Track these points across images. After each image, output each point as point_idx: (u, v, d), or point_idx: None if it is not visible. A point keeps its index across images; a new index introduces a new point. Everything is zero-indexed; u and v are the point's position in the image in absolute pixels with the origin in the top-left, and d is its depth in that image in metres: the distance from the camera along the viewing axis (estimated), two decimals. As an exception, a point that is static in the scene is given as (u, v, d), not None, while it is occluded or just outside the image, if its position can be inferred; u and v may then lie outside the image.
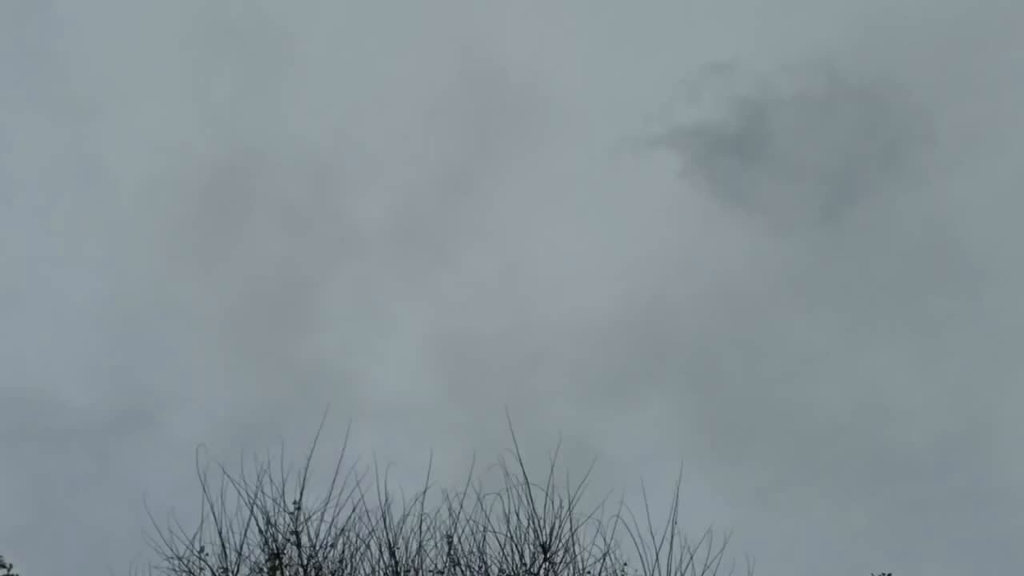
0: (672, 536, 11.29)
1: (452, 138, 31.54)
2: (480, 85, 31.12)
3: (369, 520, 12.05)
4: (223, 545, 12.03)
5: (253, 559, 12.06)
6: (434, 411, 24.23)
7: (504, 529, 11.85)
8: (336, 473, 12.18)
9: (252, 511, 12.10)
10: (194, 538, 11.92)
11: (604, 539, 11.57)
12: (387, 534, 12.02)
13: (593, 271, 29.14)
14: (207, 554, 11.85)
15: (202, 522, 11.89)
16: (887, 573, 11.98)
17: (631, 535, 11.45)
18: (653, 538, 11.33)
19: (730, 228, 29.55)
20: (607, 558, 11.61)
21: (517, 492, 11.86)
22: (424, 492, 12.08)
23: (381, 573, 12.08)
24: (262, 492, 12.20)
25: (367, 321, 28.94)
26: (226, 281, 29.90)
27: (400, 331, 28.27)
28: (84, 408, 24.08)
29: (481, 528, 11.88)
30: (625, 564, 11.63)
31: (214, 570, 11.90)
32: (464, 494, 11.92)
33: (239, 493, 12.12)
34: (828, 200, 29.39)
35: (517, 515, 11.80)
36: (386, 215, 30.66)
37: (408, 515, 12.07)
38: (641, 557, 11.33)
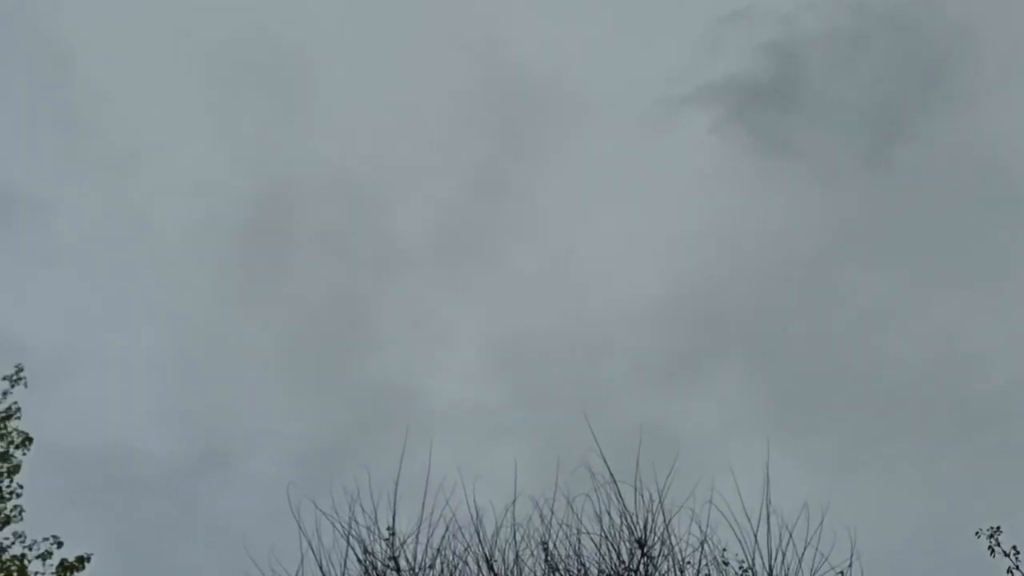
0: (768, 516, 11.16)
1: (481, 140, 31.62)
2: (500, 84, 31.12)
3: (463, 536, 12.08)
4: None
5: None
6: (501, 415, 24.30)
7: (598, 529, 11.81)
8: (425, 493, 12.24)
9: (348, 541, 12.20)
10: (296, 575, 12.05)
11: (699, 527, 11.47)
12: (483, 548, 12.03)
13: (640, 252, 28.94)
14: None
15: (302, 558, 12.03)
16: (995, 527, 11.64)
17: (726, 520, 11.34)
18: (749, 520, 11.21)
19: (773, 184, 29.05)
20: (705, 546, 11.51)
21: (606, 491, 11.81)
22: (513, 502, 12.09)
23: (481, 587, 12.11)
24: (355, 521, 12.28)
25: (423, 334, 29.12)
26: (280, 312, 30.33)
27: (457, 339, 28.41)
28: (164, 455, 24.61)
29: (575, 531, 11.85)
30: (724, 550, 11.52)
31: (320, 604, 12.01)
32: (554, 499, 11.91)
33: (333, 526, 12.23)
34: (873, 140, 28.55)
35: (609, 514, 11.74)
36: (427, 226, 30.86)
37: (501, 526, 12.08)
38: (740, 541, 11.23)
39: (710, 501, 11.40)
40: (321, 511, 12.26)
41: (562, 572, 12.09)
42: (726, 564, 11.59)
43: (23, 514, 13.62)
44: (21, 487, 13.66)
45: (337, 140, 31.16)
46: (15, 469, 13.66)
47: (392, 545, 12.21)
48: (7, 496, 13.51)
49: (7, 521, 13.44)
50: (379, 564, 12.23)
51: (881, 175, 28.21)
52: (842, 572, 10.93)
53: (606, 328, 27.32)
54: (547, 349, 27.25)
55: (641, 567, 11.59)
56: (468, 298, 29.71)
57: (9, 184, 27.86)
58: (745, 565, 11.29)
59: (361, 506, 12.34)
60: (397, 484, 12.35)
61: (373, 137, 31.11)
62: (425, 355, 28.11)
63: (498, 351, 27.73)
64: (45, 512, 14.33)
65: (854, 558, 10.96)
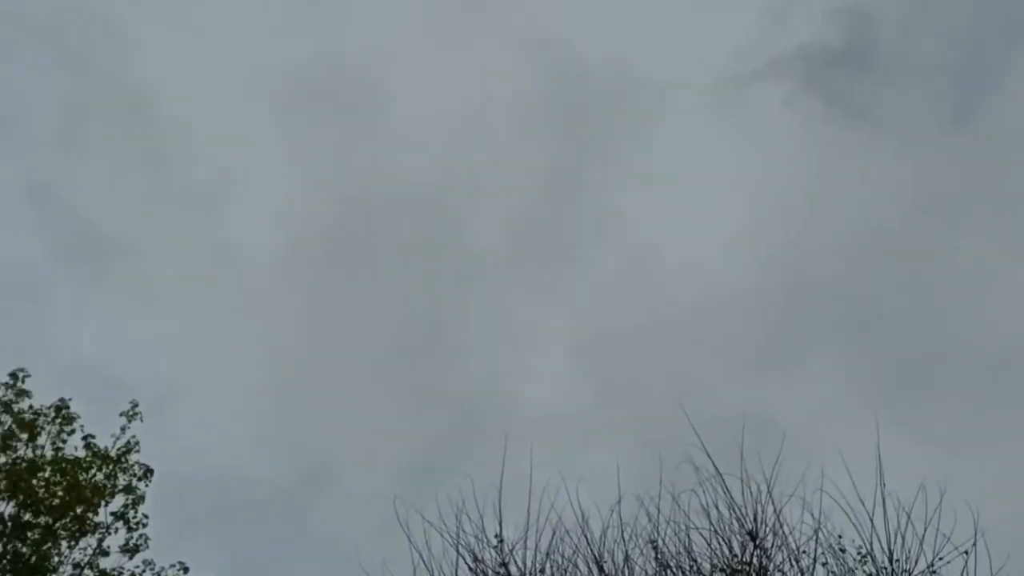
0: (883, 498, 10.86)
1: (551, 140, 31.63)
2: (564, 80, 31.04)
3: (571, 539, 12.09)
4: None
5: (470, 598, 12.29)
6: (595, 415, 24.25)
7: (706, 524, 11.67)
8: (529, 498, 12.31)
9: (458, 550, 12.34)
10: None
11: (812, 515, 11.23)
12: (591, 550, 12.02)
13: (723, 237, 28.49)
14: (420, 599, 12.13)
15: (414, 570, 12.22)
16: None
17: (839, 506, 11.08)
18: (863, 504, 10.93)
19: (855, 154, 28.13)
20: (819, 534, 11.26)
21: (711, 484, 11.67)
22: (619, 502, 12.05)
23: (592, 589, 12.09)
24: (463, 530, 12.41)
25: (509, 340, 29.27)
26: (368, 329, 30.86)
27: (544, 343, 28.44)
28: (270, 478, 25.33)
29: (683, 527, 11.73)
30: (840, 536, 11.25)
31: (434, 615, 12.17)
32: (659, 496, 11.83)
33: (441, 536, 12.39)
34: (956, 99, 27.34)
35: (717, 507, 11.59)
36: (504, 232, 31.02)
37: (608, 527, 12.05)
38: (856, 526, 10.95)
39: (821, 488, 11.15)
40: (428, 522, 12.44)
41: (673, 569, 11.99)
42: (843, 551, 11.31)
43: (149, 542, 14.27)
44: (147, 517, 14.30)
45: (410, 154, 31.64)
46: (140, 500, 14.31)
47: (501, 552, 12.30)
48: (134, 526, 14.15)
49: (136, 550, 14.08)
50: (490, 571, 12.34)
51: (967, 135, 27.04)
52: (966, 552, 10.55)
53: (695, 319, 27.01)
54: (635, 345, 27.10)
55: (755, 560, 11.42)
56: (551, 301, 29.79)
57: (104, 229, 29.11)
58: (863, 551, 11.01)
59: (467, 515, 12.47)
60: (501, 491, 12.44)
61: (444, 147, 31.48)
62: (513, 360, 28.28)
63: (586, 352, 27.70)
64: (167, 540, 14.91)
65: (978, 536, 10.58)
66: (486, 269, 30.78)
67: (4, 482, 13.08)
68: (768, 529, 11.34)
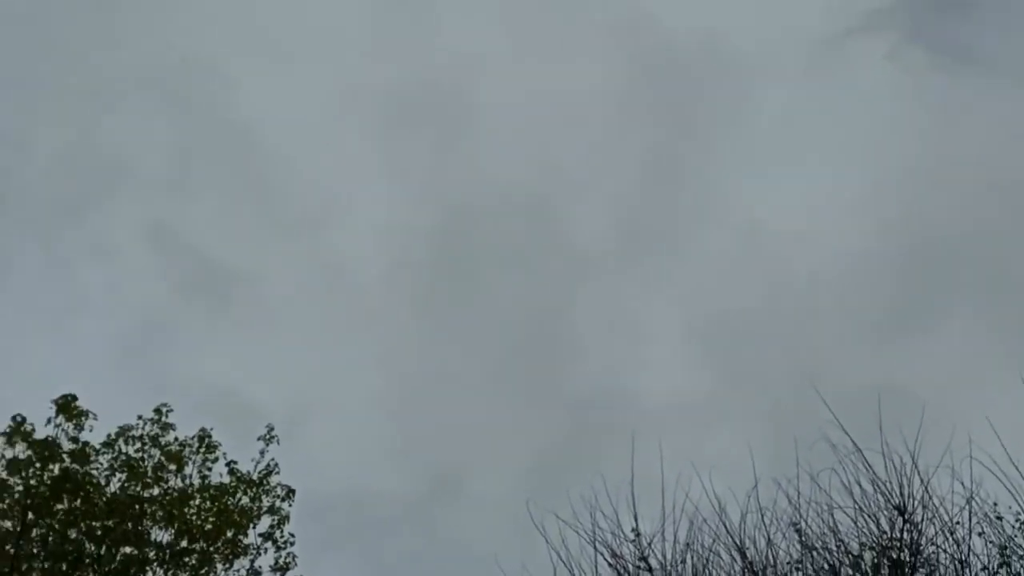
0: (1041, 461, 10.30)
1: (646, 127, 31.29)
2: (653, 62, 30.58)
3: (709, 527, 11.92)
4: (579, 587, 12.33)
5: (612, 593, 12.28)
6: (719, 400, 23.88)
7: (850, 502, 11.32)
8: (662, 489, 12.20)
9: (595, 547, 12.34)
10: (552, 588, 12.29)
11: (962, 484, 10.75)
12: (731, 537, 11.82)
13: (836, 205, 27.50)
14: (569, 600, 12.18)
15: (554, 570, 12.27)
16: None
17: (991, 472, 10.57)
18: (1018, 468, 10.39)
19: (967, 101, 26.68)
20: (972, 503, 10.77)
21: (851, 461, 11.32)
22: (755, 487, 11.83)
23: (738, 575, 11.90)
24: (599, 527, 12.40)
25: (623, 332, 29.10)
26: (480, 336, 31.21)
27: (658, 332, 28.15)
28: (399, 491, 25.88)
29: (826, 507, 11.42)
30: (995, 504, 10.74)
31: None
32: (798, 478, 11.55)
33: (578, 534, 12.40)
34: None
35: (859, 484, 11.24)
36: (608, 224, 30.86)
37: (746, 512, 11.84)
38: (1011, 491, 10.42)
39: (970, 455, 10.67)
40: (564, 521, 12.48)
41: (819, 551, 11.68)
42: (999, 518, 10.81)
43: (297, 560, 14.80)
44: (293, 535, 14.84)
45: (505, 157, 31.86)
46: (285, 520, 14.85)
47: (639, 545, 12.23)
48: (282, 545, 14.71)
49: (286, 568, 14.63)
50: (630, 566, 12.29)
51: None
52: None
53: (813, 291, 26.16)
54: (753, 325, 26.49)
55: (905, 535, 11.01)
56: (662, 289, 29.45)
57: (221, 262, 30.34)
58: (1022, 516, 10.48)
59: (601, 511, 12.46)
60: (633, 484, 12.38)
61: (539, 147, 31.55)
62: (629, 353, 28.09)
63: (703, 337, 27.28)
64: (312, 557, 15.41)
65: None
66: (593, 264, 30.71)
67: (160, 512, 13.80)
68: (917, 502, 10.93)
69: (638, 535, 12.20)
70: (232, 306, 30.62)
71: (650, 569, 12.16)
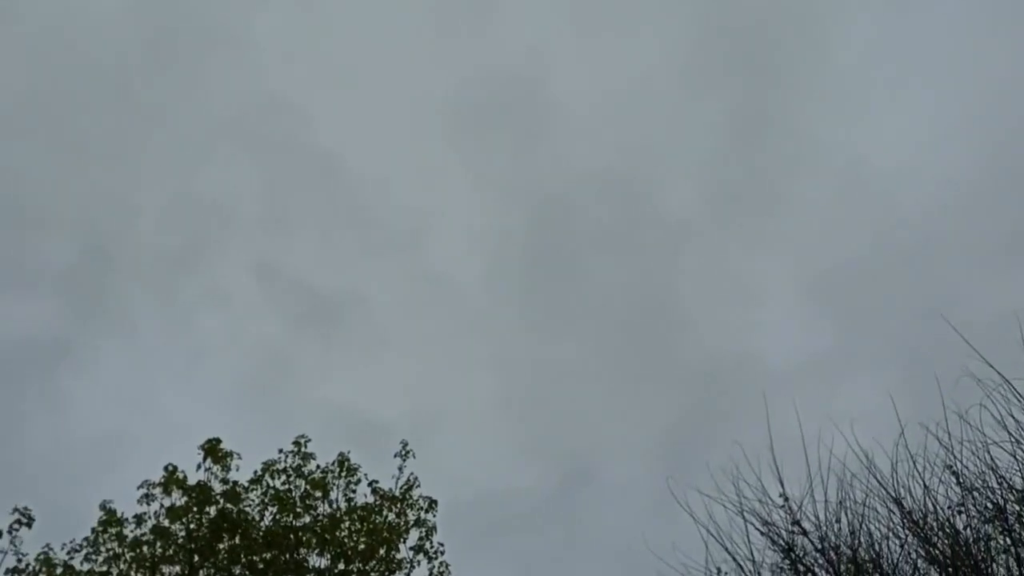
0: None
1: (724, 86, 30.58)
2: (721, 21, 29.79)
3: (860, 482, 11.59)
4: (734, 559, 12.18)
5: (768, 561, 12.08)
6: (843, 352, 23.17)
7: (1005, 437, 10.82)
8: (804, 450, 11.93)
9: (744, 517, 12.15)
10: (706, 563, 12.17)
11: None
12: (885, 489, 11.46)
13: (937, 133, 26.21)
14: (726, 574, 12.05)
15: (706, 546, 12.14)
16: None
17: None
18: None
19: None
20: None
21: (1000, 393, 10.81)
22: (901, 434, 11.44)
23: (896, 527, 11.54)
24: (744, 497, 12.21)
25: (734, 298, 28.57)
26: (588, 323, 31.14)
27: (769, 293, 27.51)
28: (533, 487, 26.12)
29: (981, 445, 10.95)
30: None
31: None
32: (945, 419, 11.11)
33: (724, 507, 12.23)
34: None
35: (1012, 416, 10.72)
36: (700, 193, 30.35)
37: (896, 462, 11.45)
38: None
39: None
40: (708, 495, 12.33)
41: (980, 491, 11.21)
42: None
43: (450, 568, 15.09)
44: (442, 545, 15.15)
45: (586, 143, 31.66)
46: (432, 530, 15.17)
47: (790, 510, 11.98)
48: (434, 556, 15.02)
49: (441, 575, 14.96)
50: (782, 532, 12.05)
51: None
52: None
53: (927, 224, 25.01)
54: (869, 269, 25.56)
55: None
56: (766, 247, 28.77)
57: (327, 290, 31.15)
58: None
59: (745, 480, 12.25)
60: (773, 448, 12.14)
61: (618, 128, 31.24)
62: (742, 316, 27.55)
63: (818, 288, 26.53)
64: (461, 562, 15.67)
65: None
66: (690, 233, 30.22)
67: (314, 539, 14.28)
68: (1090, 425, 10.36)
69: (787, 499, 11.96)
70: (343, 331, 31.44)
71: (804, 532, 11.90)
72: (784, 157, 29.23)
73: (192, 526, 14.03)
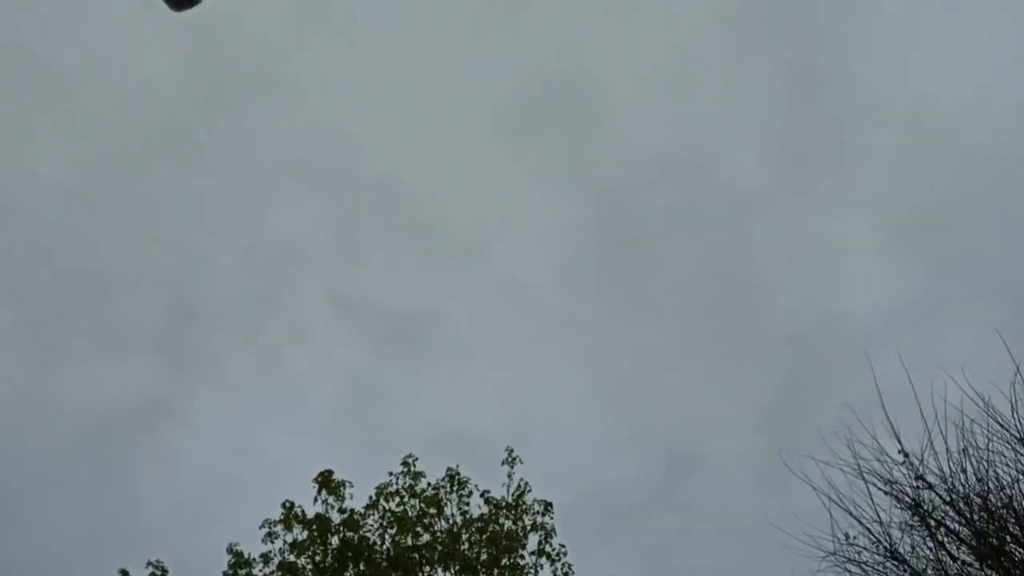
0: None
1: (772, 49, 29.92)
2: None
3: (981, 428, 11.25)
4: (859, 522, 11.94)
5: (896, 521, 11.81)
6: (939, 293, 22.55)
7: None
8: (917, 402, 11.63)
9: (864, 479, 11.90)
10: (832, 531, 11.96)
11: None
12: (1007, 431, 11.11)
13: (1007, 55, 25.10)
14: (855, 538, 11.81)
15: (830, 513, 11.91)
16: None
17: None
18: None
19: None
20: None
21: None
22: (1016, 372, 11.07)
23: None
24: (861, 459, 11.96)
25: (815, 259, 28.05)
26: (668, 305, 30.90)
27: (850, 246, 26.91)
28: (638, 477, 26.00)
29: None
30: None
31: (869, 550, 11.81)
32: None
33: (843, 472, 11.99)
34: None
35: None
36: (763, 160, 29.80)
37: (1017, 401, 11.09)
38: None
39: None
40: (824, 462, 12.10)
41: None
42: None
43: (573, 568, 15.14)
44: (563, 546, 15.20)
45: (640, 126, 31.30)
46: (551, 533, 15.24)
47: (911, 466, 11.68)
48: (556, 558, 15.07)
49: (566, 576, 15.02)
50: (907, 488, 11.76)
51: None
52: None
53: (1004, 155, 24.01)
54: (949, 209, 24.73)
55: None
56: (839, 202, 28.07)
57: (404, 311, 31.49)
58: None
59: (860, 441, 12.00)
60: (884, 405, 11.85)
61: (671, 107, 30.82)
62: (825, 276, 26.99)
63: (899, 236, 25.81)
64: (582, 561, 15.68)
65: None
66: (761, 202, 29.66)
67: (437, 555, 14.47)
68: None
69: (906, 455, 11.68)
70: (426, 348, 31.75)
71: (930, 486, 11.59)
72: (844, 109, 28.54)
73: (317, 558, 14.36)
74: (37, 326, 29.67)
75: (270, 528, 14.73)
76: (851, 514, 11.82)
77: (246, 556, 14.62)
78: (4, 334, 28.83)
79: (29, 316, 29.42)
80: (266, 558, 14.61)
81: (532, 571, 14.89)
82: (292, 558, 14.47)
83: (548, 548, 15.08)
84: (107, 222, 30.82)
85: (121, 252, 31.10)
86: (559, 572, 14.94)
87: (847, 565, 11.92)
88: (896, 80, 28.04)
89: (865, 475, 11.80)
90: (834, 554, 11.84)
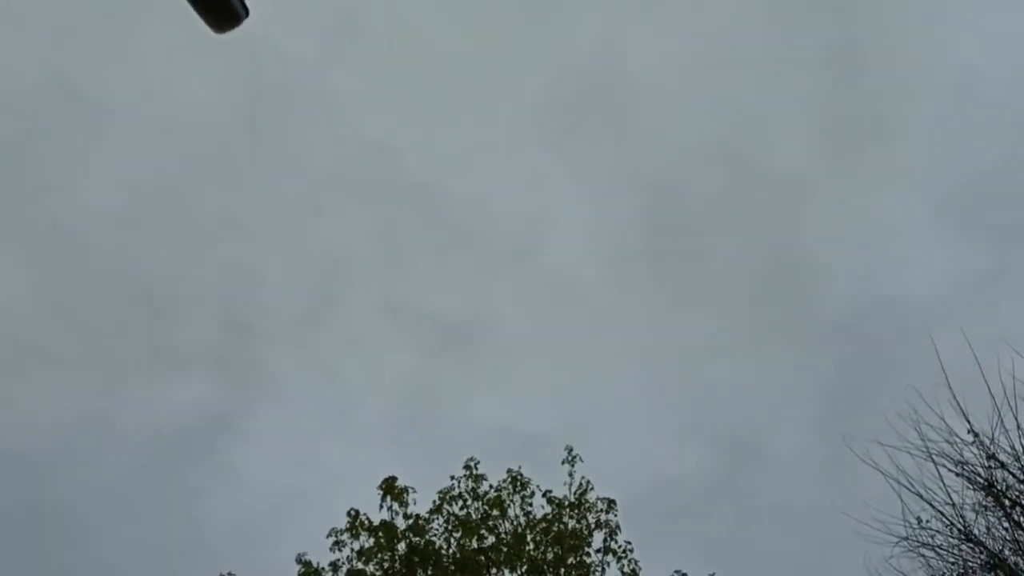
0: None
1: (807, 34, 29.49)
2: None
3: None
4: (931, 505, 11.74)
5: (968, 502, 11.59)
6: (995, 267, 22.06)
7: None
8: (984, 380, 11.39)
9: (933, 460, 11.70)
10: (903, 515, 11.78)
11: None
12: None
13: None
14: (927, 522, 11.61)
15: (900, 497, 11.73)
16: None
17: None
18: None
19: None
20: None
21: None
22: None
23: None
24: (928, 440, 11.76)
25: (864, 238, 27.60)
26: (720, 294, 30.64)
27: (902, 224, 26.42)
28: (698, 469, 25.85)
29: None
30: None
31: (943, 533, 11.61)
32: None
33: (911, 455, 11.81)
34: None
35: None
36: (809, 139, 29.37)
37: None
38: None
39: None
40: (891, 446, 11.92)
41: None
42: None
43: (639, 565, 15.07)
44: (629, 543, 15.15)
45: (681, 117, 31.02)
46: (616, 530, 15.20)
47: (981, 445, 11.44)
48: (622, 555, 15.03)
49: (634, 574, 14.94)
50: (979, 468, 11.52)
51: None
52: None
53: None
54: (1002, 180, 24.10)
55: None
56: (889, 180, 27.52)
57: (453, 315, 31.63)
58: None
59: (927, 423, 11.79)
60: (950, 385, 11.63)
61: (711, 97, 30.47)
62: (879, 256, 26.52)
63: (952, 213, 25.25)
64: (648, 557, 15.60)
65: None
66: (808, 184, 29.25)
67: (502, 556, 14.51)
68: None
69: (976, 435, 11.45)
70: (478, 351, 31.85)
71: (1003, 465, 11.34)
72: (888, 85, 27.98)
73: (385, 564, 14.49)
74: (99, 351, 30.39)
75: (337, 537, 14.90)
76: (922, 497, 11.64)
77: (315, 565, 14.81)
78: (68, 361, 29.58)
79: (91, 342, 30.14)
80: (335, 566, 14.77)
81: (599, 569, 14.88)
82: (360, 565, 14.62)
83: (614, 545, 15.05)
84: (160, 245, 31.48)
85: (175, 273, 31.73)
86: (626, 569, 14.90)
87: (921, 550, 11.74)
88: (939, 51, 27.46)
89: (934, 457, 11.61)
90: (907, 539, 11.67)
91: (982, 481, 11.47)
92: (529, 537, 14.76)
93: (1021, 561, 11.17)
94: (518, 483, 15.42)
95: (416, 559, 14.33)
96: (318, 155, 32.17)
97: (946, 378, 11.63)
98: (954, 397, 11.55)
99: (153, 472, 28.53)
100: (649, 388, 28.77)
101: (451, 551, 14.66)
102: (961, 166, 26.21)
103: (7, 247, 29.96)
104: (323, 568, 14.80)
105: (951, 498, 11.52)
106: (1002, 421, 11.20)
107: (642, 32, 31.54)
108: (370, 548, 14.62)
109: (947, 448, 11.59)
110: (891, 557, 11.79)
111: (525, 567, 14.32)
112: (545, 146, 31.74)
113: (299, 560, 14.96)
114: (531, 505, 15.31)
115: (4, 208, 29.84)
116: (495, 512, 15.04)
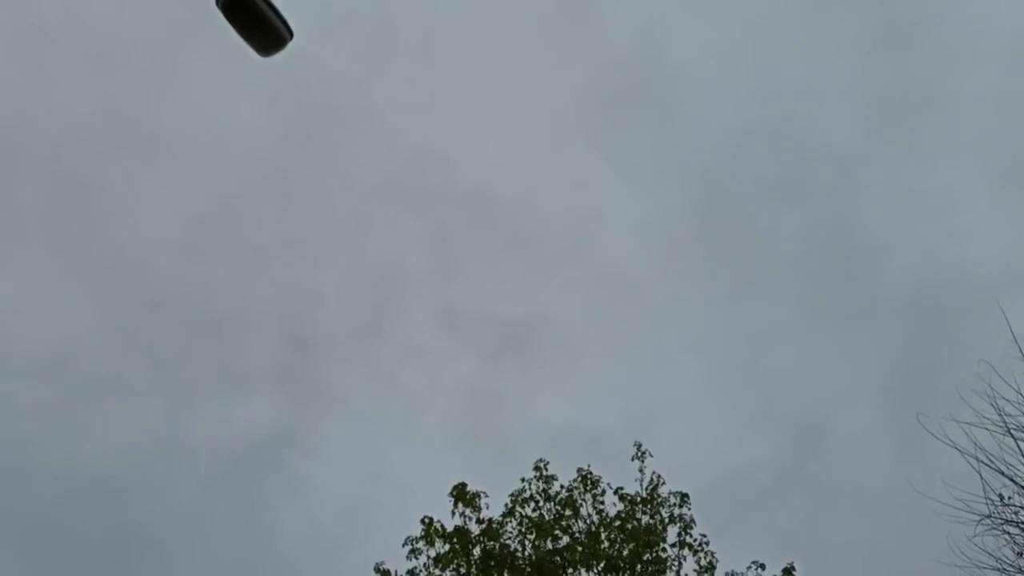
0: None
1: (854, 9, 29.02)
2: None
3: None
4: (1013, 481, 11.46)
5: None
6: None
7: None
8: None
9: (1013, 436, 11.40)
10: (984, 493, 11.51)
11: None
12: None
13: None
14: (1010, 498, 11.34)
15: (980, 475, 11.47)
16: None
17: None
18: None
19: None
20: None
21: None
22: None
23: None
24: (1005, 414, 11.47)
25: (921, 213, 27.08)
26: (776, 278, 30.30)
27: (962, 196, 25.84)
28: (766, 458, 25.63)
29: None
30: None
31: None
32: None
33: (988, 431, 11.52)
34: None
35: None
36: (858, 121, 28.94)
37: None
38: None
39: None
40: (968, 423, 11.67)
41: None
42: None
43: (716, 557, 15.00)
44: (705, 536, 15.09)
45: (723, 104, 30.80)
46: (691, 524, 15.16)
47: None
48: (698, 549, 14.98)
49: (712, 568, 14.88)
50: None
51: None
52: None
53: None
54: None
55: None
56: (942, 152, 26.98)
57: (510, 318, 31.78)
58: None
59: (1003, 397, 11.52)
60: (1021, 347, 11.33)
61: (753, 85, 30.18)
62: (938, 230, 25.97)
63: (1011, 181, 24.64)
64: (724, 548, 15.51)
65: None
66: (861, 162, 28.79)
67: (579, 554, 14.56)
68: None
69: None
70: (537, 352, 31.94)
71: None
72: (937, 55, 27.42)
73: (462, 570, 14.62)
74: (166, 375, 31.16)
75: (412, 545, 15.06)
76: (1003, 474, 11.35)
77: (394, 574, 15.00)
78: (138, 387, 30.38)
79: (158, 367, 30.92)
80: (412, 574, 14.95)
81: (676, 563, 14.84)
82: (437, 572, 14.77)
83: (689, 539, 15.00)
84: (218, 268, 32.18)
85: (235, 295, 32.41)
86: (702, 562, 14.84)
87: (1005, 527, 11.46)
88: (985, 19, 26.80)
89: (1014, 432, 11.32)
90: (990, 516, 11.39)
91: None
92: (604, 535, 14.78)
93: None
94: (588, 482, 15.45)
95: (492, 563, 14.44)
96: (366, 169, 32.62)
97: (1020, 349, 11.36)
98: (1029, 364, 11.26)
99: (226, 490, 29.20)
100: (712, 378, 28.63)
101: (526, 553, 14.74)
102: (1017, 133, 25.55)
103: (74, 280, 30.93)
104: (401, 576, 14.99)
105: (1034, 473, 11.23)
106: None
107: (679, 21, 31.39)
108: (446, 554, 14.77)
109: (1026, 421, 11.30)
110: (974, 536, 11.52)
111: (602, 565, 14.33)
112: (589, 143, 31.75)
113: (377, 569, 15.16)
114: (603, 503, 15.35)
115: (68, 241, 30.82)
116: (568, 512, 15.08)
